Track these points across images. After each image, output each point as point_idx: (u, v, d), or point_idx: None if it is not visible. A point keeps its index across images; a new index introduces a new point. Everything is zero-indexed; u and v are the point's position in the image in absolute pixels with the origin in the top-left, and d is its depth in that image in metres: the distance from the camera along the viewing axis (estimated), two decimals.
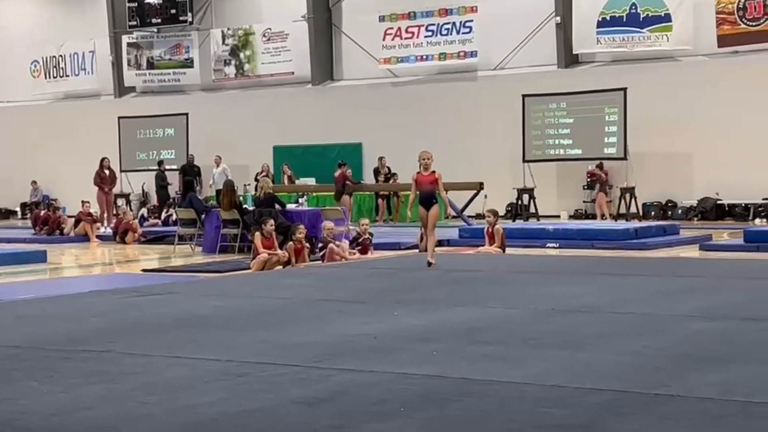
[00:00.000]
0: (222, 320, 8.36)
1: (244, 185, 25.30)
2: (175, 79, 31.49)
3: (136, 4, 31.13)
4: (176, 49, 31.36)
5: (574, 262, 13.76)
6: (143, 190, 30.60)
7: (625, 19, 24.85)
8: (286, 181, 26.70)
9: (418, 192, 12.82)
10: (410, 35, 27.54)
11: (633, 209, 23.96)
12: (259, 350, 6.77)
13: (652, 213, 24.42)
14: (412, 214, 13.51)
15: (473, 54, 26.72)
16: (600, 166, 24.50)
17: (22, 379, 5.91)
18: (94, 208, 23.49)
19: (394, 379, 5.70)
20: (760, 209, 23.27)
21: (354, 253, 15.60)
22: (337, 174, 24.24)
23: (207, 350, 6.78)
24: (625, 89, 23.90)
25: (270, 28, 29.79)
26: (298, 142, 28.64)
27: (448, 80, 27.28)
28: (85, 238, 21.69)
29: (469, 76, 27.07)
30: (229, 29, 30.37)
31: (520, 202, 24.78)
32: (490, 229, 15.80)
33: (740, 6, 23.50)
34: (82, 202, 22.43)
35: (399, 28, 27.67)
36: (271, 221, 14.91)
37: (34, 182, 32.23)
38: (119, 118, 30.40)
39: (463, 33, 26.82)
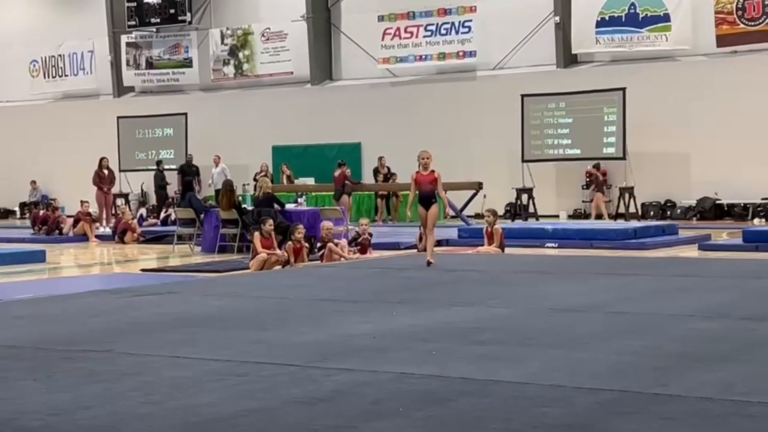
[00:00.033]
0: (221, 320, 8.36)
1: (243, 185, 25.29)
2: (174, 78, 31.49)
3: (135, 4, 31.12)
4: (175, 48, 31.35)
5: (573, 261, 13.76)
6: (142, 190, 30.60)
7: (624, 19, 24.86)
8: (285, 181, 26.70)
9: (417, 192, 12.83)
10: (409, 35, 27.54)
11: (632, 209, 23.96)
12: (257, 350, 6.77)
13: (651, 213, 24.42)
14: (412, 214, 13.50)
15: (472, 54, 26.72)
16: (597, 166, 24.48)
17: (20, 379, 5.92)
18: (93, 208, 23.49)
19: (392, 379, 5.70)
20: (759, 209, 23.27)
21: (354, 252, 15.61)
22: (337, 174, 24.23)
23: (206, 350, 6.79)
24: (624, 89, 23.90)
25: (269, 28, 29.79)
26: (297, 142, 28.65)
27: (446, 80, 27.28)
28: (84, 237, 21.70)
29: (468, 76, 27.07)
30: (228, 29, 30.37)
31: (519, 202, 24.79)
32: (489, 229, 15.80)
33: (739, 6, 23.51)
34: (82, 201, 22.43)
35: (398, 28, 27.67)
36: (270, 221, 14.91)
37: (33, 182, 32.21)
38: (118, 117, 30.39)
39: (462, 33, 26.82)
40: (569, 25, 25.59)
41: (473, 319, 8.10)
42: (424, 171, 12.73)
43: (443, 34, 27.07)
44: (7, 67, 33.33)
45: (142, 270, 15.21)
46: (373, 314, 8.47)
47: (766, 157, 22.89)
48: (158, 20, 31.01)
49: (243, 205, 18.22)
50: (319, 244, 15.35)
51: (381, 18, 27.78)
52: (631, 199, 23.99)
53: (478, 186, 22.99)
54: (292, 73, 29.43)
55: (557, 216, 24.84)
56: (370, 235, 16.35)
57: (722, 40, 23.73)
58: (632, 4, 24.71)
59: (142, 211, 27.00)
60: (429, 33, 27.30)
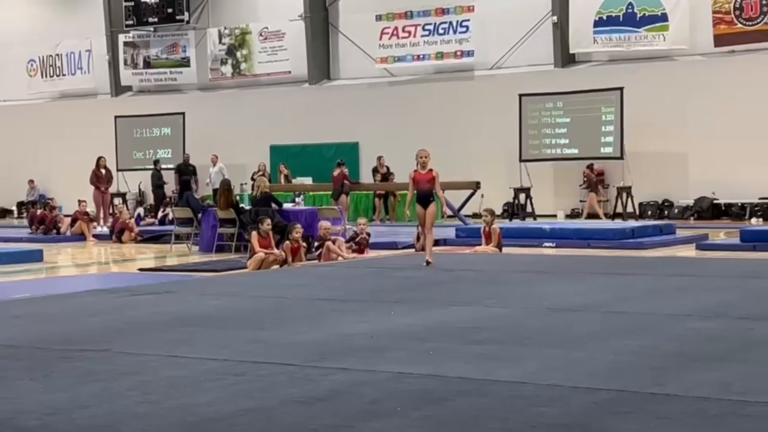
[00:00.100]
0: (218, 319, 8.36)
1: (241, 184, 25.28)
2: (172, 78, 31.47)
3: (133, 3, 31.09)
4: (173, 48, 31.33)
5: (571, 261, 13.76)
6: (140, 190, 30.59)
7: (621, 19, 24.85)
8: (282, 181, 26.69)
9: (415, 191, 12.82)
10: (407, 34, 27.53)
11: (630, 209, 23.96)
12: (255, 349, 6.77)
13: (649, 212, 24.43)
14: (411, 213, 13.49)
15: (470, 53, 26.71)
16: (590, 167, 24.40)
17: (18, 379, 5.91)
18: (91, 208, 23.48)
19: (390, 379, 5.71)
20: (756, 208, 23.28)
21: (351, 248, 15.60)
22: (336, 173, 24.20)
23: (203, 350, 6.79)
24: (621, 89, 23.90)
25: (267, 28, 29.78)
26: (295, 142, 28.63)
27: (444, 80, 27.28)
28: (81, 237, 21.67)
29: (465, 76, 27.06)
30: (225, 28, 30.35)
31: (516, 202, 24.79)
32: (486, 229, 15.80)
33: (737, 6, 23.51)
34: (79, 201, 22.41)
35: (396, 28, 27.66)
36: (268, 220, 14.92)
37: (30, 181, 32.18)
38: (116, 117, 30.36)
39: (459, 32, 26.81)
40: (567, 25, 25.59)
41: (471, 318, 8.11)
42: (422, 170, 12.73)
43: (441, 34, 27.06)
44: (5, 67, 33.30)
45: (140, 269, 15.21)
46: (370, 314, 8.47)
47: (763, 156, 22.90)
48: (156, 20, 30.98)
49: (240, 205, 18.22)
50: (316, 244, 15.36)
51: (379, 17, 27.78)
52: (629, 199, 23.98)
53: (476, 185, 22.99)
54: (289, 72, 29.42)
55: (555, 215, 24.84)
56: (368, 234, 16.36)
57: (720, 40, 23.74)
58: (630, 3, 24.71)
59: (140, 210, 26.97)
60: (427, 32, 27.30)
